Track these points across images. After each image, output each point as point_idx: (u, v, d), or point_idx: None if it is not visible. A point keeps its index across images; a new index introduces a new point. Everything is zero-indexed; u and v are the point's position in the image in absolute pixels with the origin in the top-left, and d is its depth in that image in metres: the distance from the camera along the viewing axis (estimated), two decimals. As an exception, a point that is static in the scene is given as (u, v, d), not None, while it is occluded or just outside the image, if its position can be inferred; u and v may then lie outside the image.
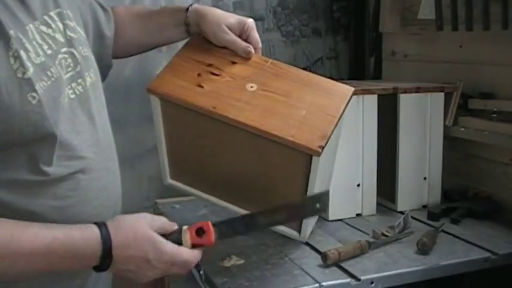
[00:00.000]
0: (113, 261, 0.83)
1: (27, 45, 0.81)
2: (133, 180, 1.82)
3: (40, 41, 0.84)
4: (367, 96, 1.43)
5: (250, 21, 1.18)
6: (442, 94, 1.52)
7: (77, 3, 1.04)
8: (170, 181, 1.31)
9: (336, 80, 1.24)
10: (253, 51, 1.18)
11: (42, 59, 0.83)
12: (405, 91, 1.47)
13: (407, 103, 1.47)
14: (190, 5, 1.19)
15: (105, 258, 0.82)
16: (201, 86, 1.13)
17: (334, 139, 1.20)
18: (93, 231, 0.83)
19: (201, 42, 1.21)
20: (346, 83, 1.22)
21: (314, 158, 1.07)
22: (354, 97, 1.40)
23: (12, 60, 0.77)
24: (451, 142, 1.61)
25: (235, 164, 1.19)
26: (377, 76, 2.02)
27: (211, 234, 0.92)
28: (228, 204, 1.26)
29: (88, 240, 0.82)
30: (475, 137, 1.53)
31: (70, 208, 0.87)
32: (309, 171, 1.10)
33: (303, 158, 1.08)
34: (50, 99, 0.82)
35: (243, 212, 1.24)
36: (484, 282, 1.31)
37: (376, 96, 1.44)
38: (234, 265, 1.17)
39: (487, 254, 1.22)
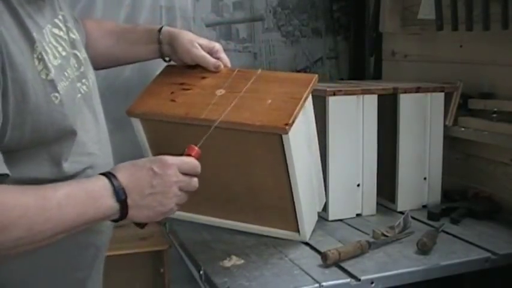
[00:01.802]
0: (127, 191, 0.85)
1: (46, 48, 0.84)
2: (133, 180, 1.82)
3: (55, 43, 0.88)
4: (367, 96, 1.43)
5: (218, 44, 1.29)
6: (442, 94, 1.52)
7: (69, 11, 1.08)
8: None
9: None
10: (222, 65, 1.26)
11: (59, 61, 0.87)
12: (405, 91, 1.47)
13: (407, 103, 1.47)
14: (162, 26, 1.27)
15: (118, 191, 0.84)
16: (174, 100, 1.21)
17: (308, 134, 1.23)
18: (97, 176, 0.87)
19: (173, 69, 1.30)
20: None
21: (284, 137, 1.10)
22: (354, 97, 1.41)
23: (36, 62, 0.81)
24: (451, 142, 1.60)
25: (221, 171, 1.23)
26: (377, 76, 2.02)
27: (195, 149, 0.97)
28: (222, 221, 1.31)
29: (96, 180, 0.86)
30: (475, 137, 1.53)
31: None
32: (285, 154, 1.12)
33: (275, 140, 1.12)
34: (70, 98, 0.87)
35: (239, 225, 1.28)
36: (484, 282, 1.31)
37: (376, 96, 1.44)
38: (234, 265, 1.17)
39: (487, 254, 1.22)
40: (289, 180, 1.17)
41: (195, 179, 0.95)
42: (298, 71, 2.08)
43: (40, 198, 0.78)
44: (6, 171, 0.76)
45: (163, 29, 1.26)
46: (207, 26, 1.98)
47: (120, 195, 0.85)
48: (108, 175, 0.87)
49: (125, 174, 0.87)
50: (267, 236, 1.30)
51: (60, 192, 0.81)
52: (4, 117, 0.77)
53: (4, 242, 0.75)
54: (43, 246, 0.80)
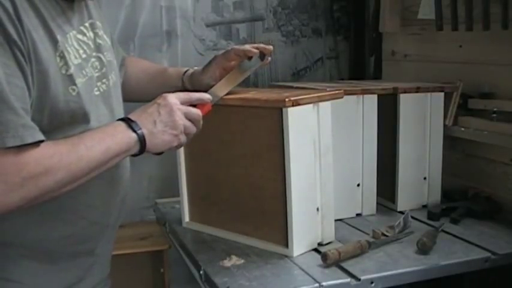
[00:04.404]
0: (140, 123, 1.00)
1: (68, 49, 0.98)
2: (133, 180, 1.81)
3: (77, 47, 1.01)
4: (367, 96, 1.43)
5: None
6: (442, 94, 1.52)
7: (103, 19, 1.18)
8: (187, 222, 1.44)
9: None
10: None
11: (79, 61, 1.00)
12: (405, 91, 1.47)
13: (407, 103, 1.47)
14: (188, 69, 1.34)
15: (132, 124, 0.99)
16: None
17: (318, 140, 1.25)
18: (110, 121, 1.04)
19: None
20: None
21: (284, 112, 1.16)
22: (354, 97, 1.41)
23: (58, 59, 0.94)
24: (451, 142, 1.61)
25: (229, 168, 1.30)
26: (377, 76, 2.03)
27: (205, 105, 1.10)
28: (237, 236, 1.31)
29: (111, 123, 1.02)
30: (475, 137, 1.53)
31: (88, 183, 0.99)
32: (282, 126, 1.17)
33: (276, 118, 1.18)
34: (86, 92, 1.00)
35: (249, 241, 1.29)
36: (484, 282, 1.31)
37: (376, 96, 1.44)
38: (234, 265, 1.17)
39: (487, 254, 1.22)
40: (284, 172, 1.18)
41: (199, 117, 1.07)
42: (299, 71, 2.09)
43: (69, 145, 0.93)
44: (43, 138, 0.89)
45: (187, 71, 1.33)
46: (207, 26, 1.99)
47: (135, 126, 0.99)
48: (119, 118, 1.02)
49: (135, 114, 1.02)
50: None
51: (84, 137, 0.96)
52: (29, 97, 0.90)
53: (50, 185, 0.89)
54: (82, 184, 0.95)
